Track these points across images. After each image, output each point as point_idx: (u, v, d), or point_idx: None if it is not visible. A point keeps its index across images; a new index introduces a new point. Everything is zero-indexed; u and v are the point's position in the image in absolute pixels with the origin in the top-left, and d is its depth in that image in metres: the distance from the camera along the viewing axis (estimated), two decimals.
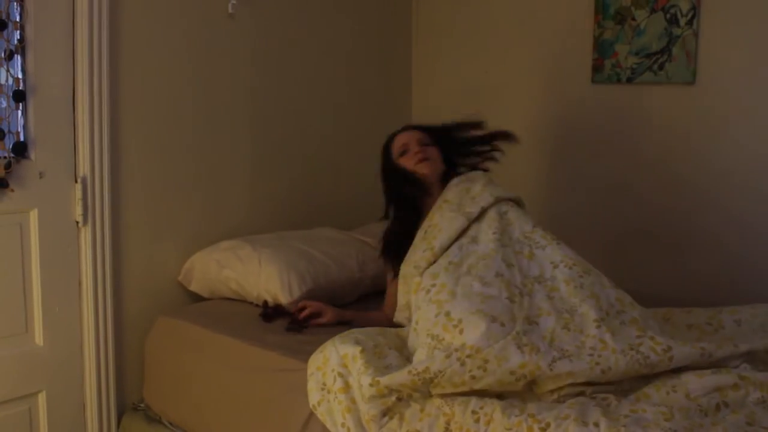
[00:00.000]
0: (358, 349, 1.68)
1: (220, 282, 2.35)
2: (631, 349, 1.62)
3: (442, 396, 1.60)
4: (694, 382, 1.58)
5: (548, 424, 1.46)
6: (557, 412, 1.49)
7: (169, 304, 2.39)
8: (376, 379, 1.60)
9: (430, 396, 1.62)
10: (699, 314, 1.97)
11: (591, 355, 1.61)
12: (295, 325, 2.09)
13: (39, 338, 2.12)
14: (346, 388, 1.66)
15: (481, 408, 1.55)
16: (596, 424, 1.44)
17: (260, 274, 2.26)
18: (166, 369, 2.20)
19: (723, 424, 1.44)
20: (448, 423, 1.56)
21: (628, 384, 1.63)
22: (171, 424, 2.18)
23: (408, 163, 2.13)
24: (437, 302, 1.75)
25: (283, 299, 2.22)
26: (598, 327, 1.66)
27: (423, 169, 2.11)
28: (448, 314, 1.68)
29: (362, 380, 1.62)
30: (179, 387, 2.15)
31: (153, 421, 2.23)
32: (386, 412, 1.60)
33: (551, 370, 1.58)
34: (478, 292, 1.73)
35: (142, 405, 2.30)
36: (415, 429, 1.57)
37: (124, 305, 2.31)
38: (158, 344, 2.25)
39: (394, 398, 1.61)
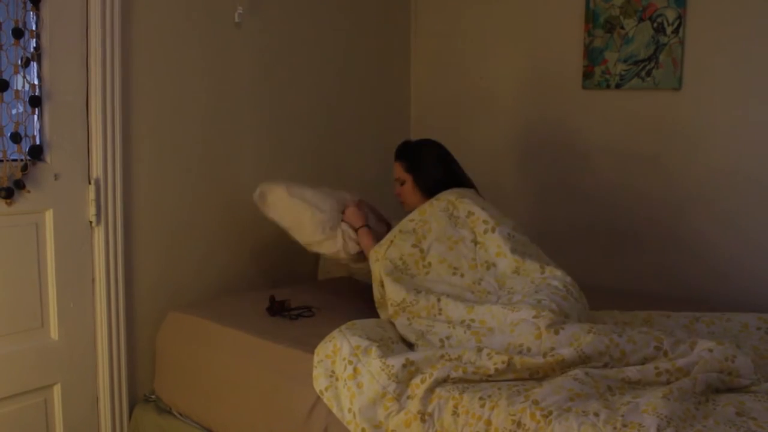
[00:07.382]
0: (374, 344, 1.79)
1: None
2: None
3: (454, 383, 1.68)
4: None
5: (550, 412, 1.50)
6: (560, 402, 1.54)
7: (179, 300, 2.44)
8: (388, 363, 1.72)
9: (443, 382, 1.70)
10: (678, 319, 2.08)
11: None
12: (278, 310, 2.26)
13: (54, 333, 2.16)
14: (355, 375, 1.74)
15: (489, 396, 1.61)
16: (596, 414, 1.48)
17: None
18: (176, 362, 2.25)
19: (714, 416, 1.48)
20: (456, 407, 1.62)
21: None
22: (181, 414, 2.22)
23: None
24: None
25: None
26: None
27: (404, 207, 2.41)
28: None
29: (373, 365, 1.73)
30: (189, 379, 2.19)
31: (163, 412, 2.27)
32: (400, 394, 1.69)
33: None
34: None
35: (153, 397, 2.35)
36: (427, 411, 1.64)
37: (135, 301, 2.36)
38: (168, 338, 2.29)
39: (407, 377, 1.70)
